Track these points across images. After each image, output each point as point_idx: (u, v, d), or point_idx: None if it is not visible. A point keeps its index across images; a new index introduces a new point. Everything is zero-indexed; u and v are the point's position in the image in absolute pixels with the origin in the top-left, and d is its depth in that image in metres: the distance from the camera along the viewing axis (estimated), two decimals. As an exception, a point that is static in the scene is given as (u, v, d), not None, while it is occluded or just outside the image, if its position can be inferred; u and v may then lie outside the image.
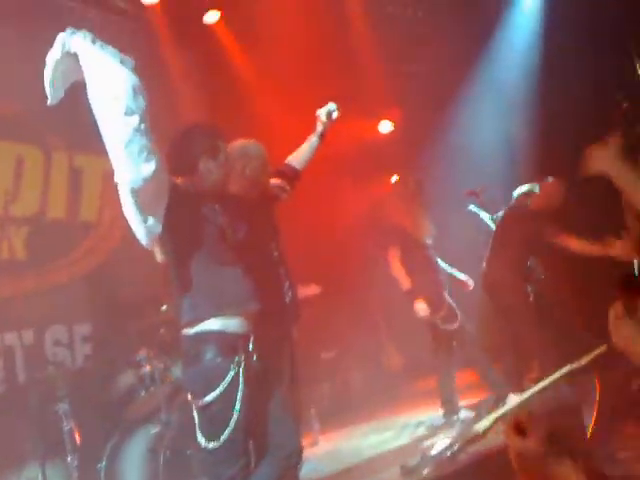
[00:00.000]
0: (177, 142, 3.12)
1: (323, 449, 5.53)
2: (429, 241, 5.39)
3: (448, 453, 3.89)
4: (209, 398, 2.83)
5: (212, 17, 6.53)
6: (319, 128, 3.99)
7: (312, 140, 4.02)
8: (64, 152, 5.95)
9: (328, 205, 7.40)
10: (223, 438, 2.81)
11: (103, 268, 5.91)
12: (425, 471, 3.96)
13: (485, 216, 5.63)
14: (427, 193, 5.58)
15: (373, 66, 7.52)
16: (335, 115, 3.96)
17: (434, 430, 5.15)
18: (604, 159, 2.22)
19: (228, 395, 2.83)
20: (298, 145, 4.06)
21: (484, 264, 5.28)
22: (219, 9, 6.49)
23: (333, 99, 4.00)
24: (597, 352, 3.45)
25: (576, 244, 5.05)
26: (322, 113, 3.95)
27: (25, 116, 5.53)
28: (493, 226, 5.54)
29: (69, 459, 4.21)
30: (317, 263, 6.37)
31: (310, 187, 4.51)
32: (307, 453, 3.54)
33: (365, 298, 7.76)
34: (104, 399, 4.58)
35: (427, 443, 4.71)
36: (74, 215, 5.97)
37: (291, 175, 3.96)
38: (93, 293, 5.70)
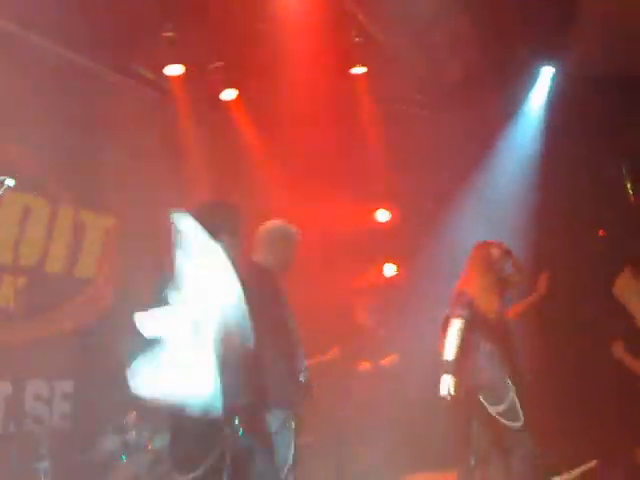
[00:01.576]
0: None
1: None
2: (494, 320, 4.88)
3: None
4: (193, 475, 2.82)
5: (229, 95, 6.76)
6: None
7: None
8: (70, 205, 5.91)
9: (319, 288, 7.39)
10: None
11: (93, 327, 5.83)
12: None
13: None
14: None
15: (375, 156, 7.75)
16: None
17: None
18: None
19: (213, 473, 2.82)
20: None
21: None
22: (237, 88, 6.73)
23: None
24: (587, 466, 3.42)
25: None
26: None
27: (34, 167, 5.60)
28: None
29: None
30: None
31: (304, 271, 4.58)
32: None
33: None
34: (85, 460, 4.47)
35: None
36: (71, 270, 5.94)
37: None
38: (80, 350, 5.61)
